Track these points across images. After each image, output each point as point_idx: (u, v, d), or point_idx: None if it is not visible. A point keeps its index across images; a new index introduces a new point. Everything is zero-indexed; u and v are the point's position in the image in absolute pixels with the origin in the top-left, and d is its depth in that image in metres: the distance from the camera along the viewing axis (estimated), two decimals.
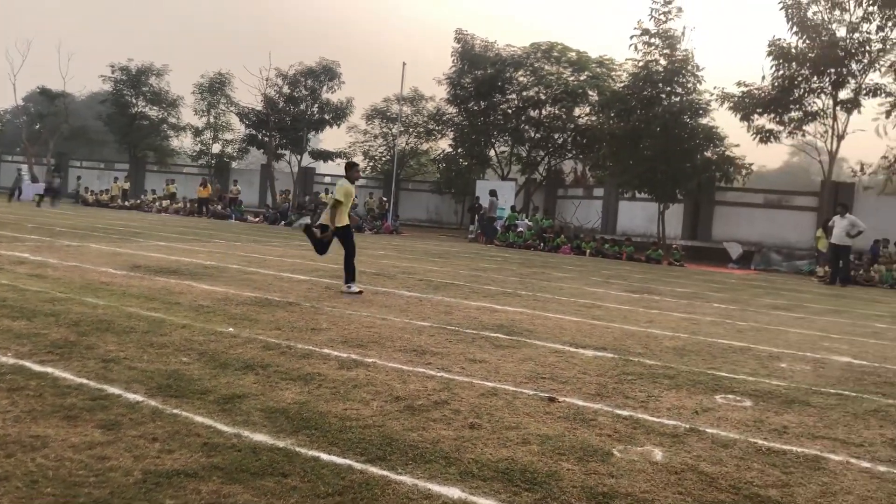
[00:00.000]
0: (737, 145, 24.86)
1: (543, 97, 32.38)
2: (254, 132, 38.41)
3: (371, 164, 39.43)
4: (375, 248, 19.09)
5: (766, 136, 25.88)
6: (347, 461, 3.58)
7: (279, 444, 3.75)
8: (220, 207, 32.47)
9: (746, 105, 25.44)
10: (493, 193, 28.14)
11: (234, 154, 40.66)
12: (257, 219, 31.24)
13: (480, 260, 17.88)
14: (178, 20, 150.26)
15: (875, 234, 21.52)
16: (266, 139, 37.82)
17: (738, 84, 25.86)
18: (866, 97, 24.81)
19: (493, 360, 6.13)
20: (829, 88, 24.79)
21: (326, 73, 36.83)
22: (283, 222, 29.29)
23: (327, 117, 37.64)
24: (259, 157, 45.72)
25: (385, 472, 3.47)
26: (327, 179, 39.83)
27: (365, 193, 35.25)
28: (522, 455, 3.85)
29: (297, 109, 37.45)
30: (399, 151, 35.12)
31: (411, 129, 37.97)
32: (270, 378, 5.00)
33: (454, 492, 3.31)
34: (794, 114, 25.41)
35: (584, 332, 7.92)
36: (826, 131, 25.36)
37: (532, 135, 33.61)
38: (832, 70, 24.32)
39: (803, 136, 26.08)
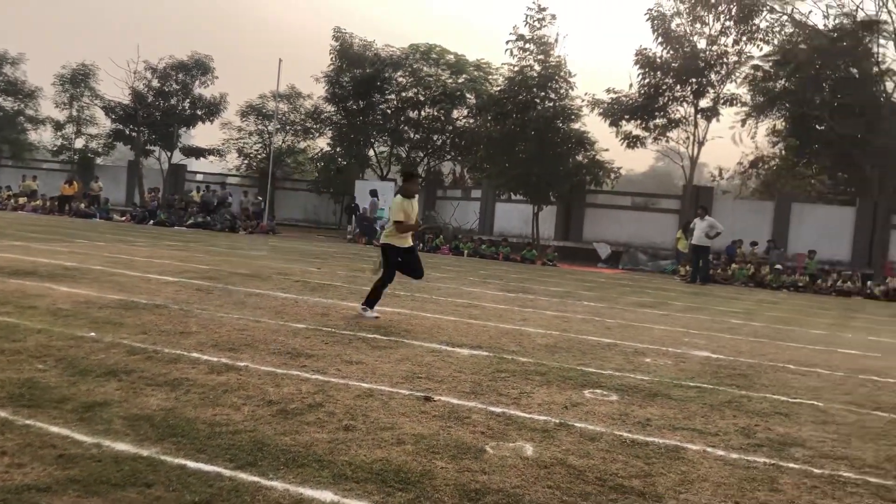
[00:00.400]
0: (606, 150, 25.98)
1: (422, 98, 32.56)
2: (120, 127, 36.56)
3: (246, 162, 38.40)
4: (250, 248, 18.62)
5: (633, 142, 27.14)
6: (216, 468, 3.46)
7: (143, 452, 3.58)
8: (83, 206, 30.75)
9: (615, 111, 26.56)
10: (373, 193, 28.07)
11: (99, 150, 38.57)
12: (124, 218, 29.78)
13: (359, 261, 17.78)
14: (37, 6, 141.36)
15: (732, 235, 22.95)
16: (134, 134, 36.11)
17: (608, 91, 27.03)
18: (724, 106, 26.48)
19: (370, 361, 6.11)
20: (691, 97, 26.24)
21: (199, 68, 35.56)
22: (151, 221, 28.07)
23: (200, 113, 36.35)
24: (126, 153, 43.59)
25: (255, 478, 3.38)
26: (199, 177, 38.47)
27: (239, 192, 34.31)
28: (397, 455, 3.85)
29: (167, 104, 35.96)
30: (275, 149, 34.34)
31: (288, 127, 37.21)
32: (135, 384, 4.78)
33: (327, 495, 3.27)
34: (658, 120, 26.74)
35: (461, 332, 8.02)
36: (688, 138, 26.86)
37: (411, 135, 33.71)
38: (693, 80, 25.76)
39: (667, 141, 27.54)
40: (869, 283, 20.68)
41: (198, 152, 37.41)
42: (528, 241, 25.72)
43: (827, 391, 6.47)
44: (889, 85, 23.42)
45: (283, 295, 9.88)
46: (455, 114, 32.82)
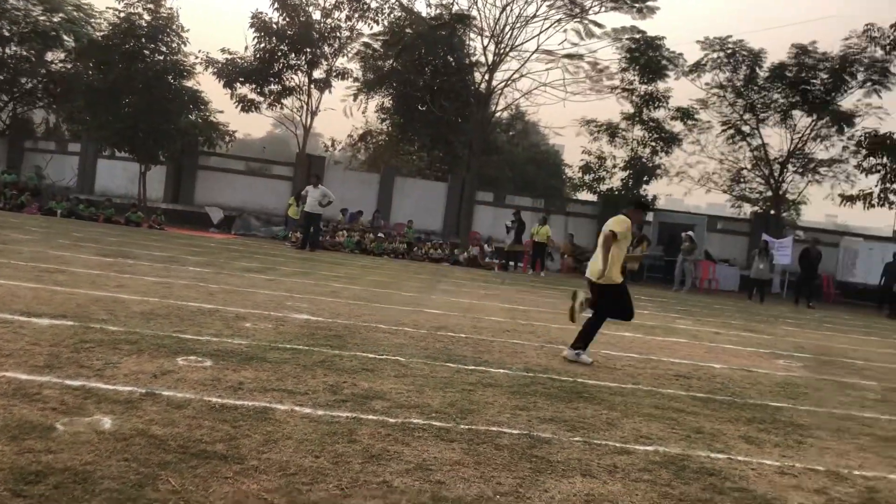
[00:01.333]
0: (221, 111, 25.36)
1: (7, 34, 28.36)
2: None
3: None
4: None
5: (247, 106, 26.85)
6: None
7: None
8: None
9: (230, 73, 26.00)
10: None
11: None
12: None
13: None
14: None
15: (342, 204, 24.05)
16: None
17: (223, 51, 26.35)
18: (336, 79, 27.48)
19: None
20: (305, 67, 26.75)
21: None
22: None
23: None
24: None
25: None
26: None
27: None
28: None
29: None
30: None
31: None
32: None
33: None
34: (273, 86, 26.80)
35: (42, 300, 7.21)
36: (302, 107, 27.37)
37: None
38: (308, 50, 26.27)
39: (282, 108, 27.74)
40: (456, 251, 23.25)
41: None
42: (133, 203, 24.06)
43: (410, 347, 7.13)
44: (477, 76, 26.38)
45: None
46: (49, 56, 29.23)
